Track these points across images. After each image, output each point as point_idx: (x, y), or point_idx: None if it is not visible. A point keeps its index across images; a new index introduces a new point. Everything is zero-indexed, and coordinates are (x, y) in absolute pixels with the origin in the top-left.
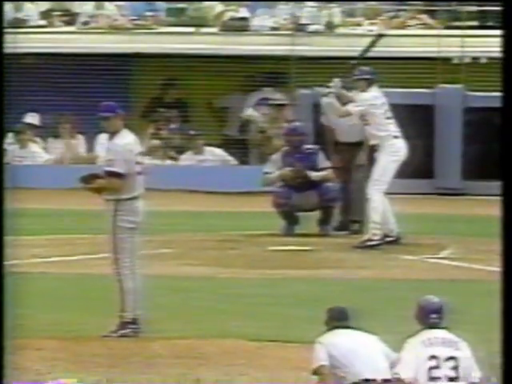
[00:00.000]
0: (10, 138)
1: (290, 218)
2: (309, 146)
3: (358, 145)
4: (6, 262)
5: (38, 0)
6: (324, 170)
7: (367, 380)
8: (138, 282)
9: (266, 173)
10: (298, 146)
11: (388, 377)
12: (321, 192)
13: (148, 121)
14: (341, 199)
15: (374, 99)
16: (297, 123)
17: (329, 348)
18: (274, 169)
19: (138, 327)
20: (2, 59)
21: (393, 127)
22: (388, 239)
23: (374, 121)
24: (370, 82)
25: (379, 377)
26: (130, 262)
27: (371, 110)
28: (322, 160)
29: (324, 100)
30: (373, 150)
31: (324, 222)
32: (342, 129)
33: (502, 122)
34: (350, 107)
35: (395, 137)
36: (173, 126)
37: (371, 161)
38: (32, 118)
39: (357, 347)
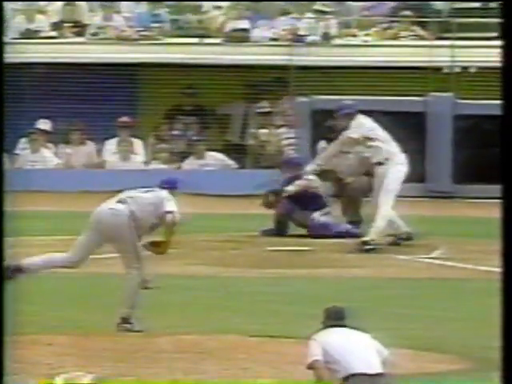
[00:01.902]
0: (22, 143)
1: (283, 226)
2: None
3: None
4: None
5: (37, 0)
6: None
7: (360, 374)
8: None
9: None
10: (294, 178)
11: (380, 371)
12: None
13: (163, 125)
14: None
15: (368, 122)
16: (294, 156)
17: (323, 344)
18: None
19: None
20: (3, 60)
21: (394, 144)
22: (400, 241)
23: (379, 139)
24: (352, 115)
25: (371, 371)
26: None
27: (371, 132)
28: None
29: (320, 145)
30: (376, 164)
31: None
32: (342, 168)
33: (502, 126)
34: (350, 133)
35: (400, 152)
36: (191, 132)
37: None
38: (44, 125)
39: (349, 344)
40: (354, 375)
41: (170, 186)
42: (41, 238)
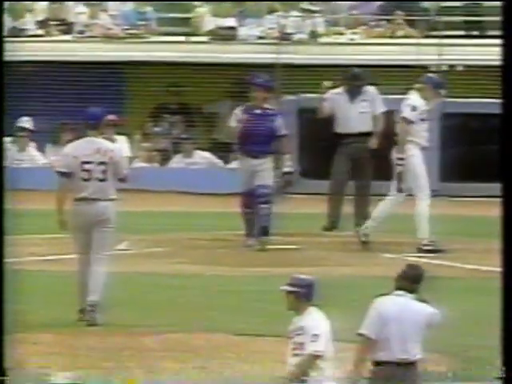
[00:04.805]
0: (9, 141)
1: (250, 225)
2: (271, 107)
3: (365, 135)
4: (5, 260)
5: (35, 0)
6: (283, 137)
7: (392, 363)
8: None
9: (230, 127)
10: (262, 101)
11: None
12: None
13: (146, 123)
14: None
15: None
16: (265, 77)
17: (380, 315)
18: (235, 122)
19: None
20: (2, 60)
21: None
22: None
23: None
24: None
25: (403, 360)
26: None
27: None
28: (282, 126)
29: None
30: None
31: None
32: (349, 118)
33: (501, 126)
34: None
35: None
36: (176, 131)
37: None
38: (26, 123)
39: (397, 327)
40: (385, 363)
41: (95, 119)
42: (27, 236)
